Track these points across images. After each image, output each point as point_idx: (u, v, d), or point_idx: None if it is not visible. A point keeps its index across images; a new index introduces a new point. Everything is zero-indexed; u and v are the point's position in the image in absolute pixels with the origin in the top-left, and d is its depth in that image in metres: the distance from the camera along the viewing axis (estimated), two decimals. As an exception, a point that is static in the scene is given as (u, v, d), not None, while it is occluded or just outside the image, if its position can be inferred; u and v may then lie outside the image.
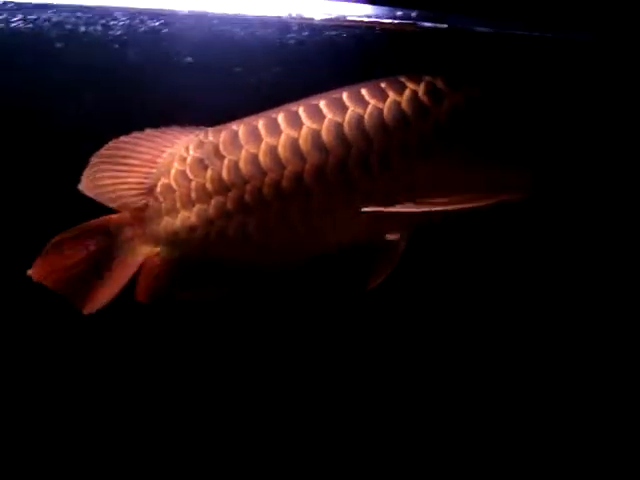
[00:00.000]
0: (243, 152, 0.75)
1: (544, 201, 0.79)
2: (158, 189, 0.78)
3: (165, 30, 0.86)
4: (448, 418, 0.90)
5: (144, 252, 0.78)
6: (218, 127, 0.78)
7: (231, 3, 0.85)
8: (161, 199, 0.77)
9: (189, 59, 0.87)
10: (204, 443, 0.91)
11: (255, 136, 0.75)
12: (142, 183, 0.78)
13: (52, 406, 0.89)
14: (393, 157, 0.74)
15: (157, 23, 0.85)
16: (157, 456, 0.90)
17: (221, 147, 0.76)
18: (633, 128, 0.80)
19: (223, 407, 0.91)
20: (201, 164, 0.76)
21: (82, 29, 0.85)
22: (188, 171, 0.77)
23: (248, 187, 0.74)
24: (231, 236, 0.76)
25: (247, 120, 0.77)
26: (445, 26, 0.86)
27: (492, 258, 0.89)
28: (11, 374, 0.88)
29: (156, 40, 0.86)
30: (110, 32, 0.85)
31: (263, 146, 0.75)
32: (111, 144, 0.77)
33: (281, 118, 0.75)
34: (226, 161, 0.75)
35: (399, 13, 0.86)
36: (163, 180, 0.78)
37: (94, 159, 0.77)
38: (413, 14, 0.86)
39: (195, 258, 0.78)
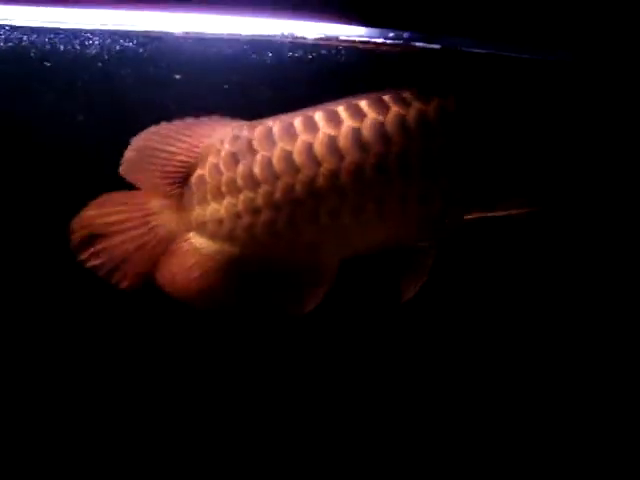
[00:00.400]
0: (277, 149, 0.75)
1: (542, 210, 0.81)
2: (193, 179, 0.78)
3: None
4: (450, 419, 0.91)
5: (177, 237, 0.78)
6: (254, 122, 0.77)
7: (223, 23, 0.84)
8: (194, 189, 0.77)
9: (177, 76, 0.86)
10: (207, 442, 0.91)
11: (290, 133, 0.75)
12: (178, 172, 0.78)
13: (55, 402, 0.89)
14: (433, 159, 0.74)
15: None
16: (164, 452, 0.90)
17: (255, 142, 0.76)
18: (610, 143, 0.83)
19: (224, 405, 0.91)
20: (233, 158, 0.76)
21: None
22: (221, 164, 0.76)
23: (279, 184, 0.74)
24: (258, 232, 0.76)
25: (283, 117, 0.77)
26: (437, 47, 0.86)
27: (496, 265, 0.90)
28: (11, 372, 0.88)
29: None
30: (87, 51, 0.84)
31: (298, 143, 0.74)
32: (152, 129, 0.77)
33: (319, 116, 0.75)
34: (259, 156, 0.75)
35: (391, 34, 0.86)
36: (198, 171, 0.77)
37: (135, 143, 0.77)
38: (405, 35, 0.86)
39: (223, 253, 0.77)
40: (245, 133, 0.77)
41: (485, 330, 0.91)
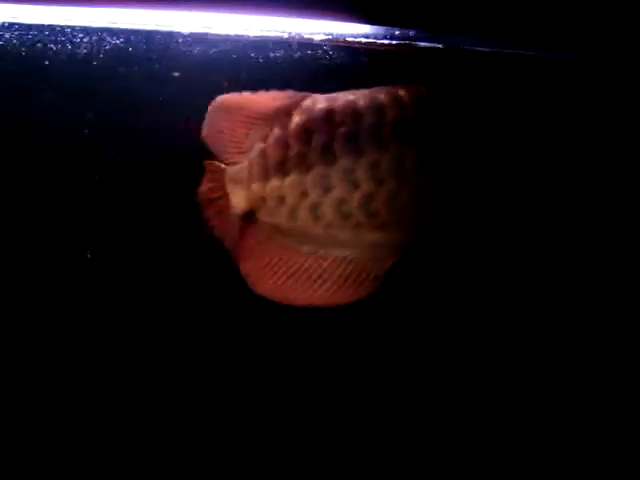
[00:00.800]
0: (365, 123, 0.71)
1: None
2: (254, 153, 0.75)
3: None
4: (450, 419, 0.91)
5: (239, 208, 0.76)
6: (329, 95, 0.74)
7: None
8: (255, 163, 0.74)
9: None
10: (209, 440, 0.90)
11: (378, 108, 0.71)
12: (244, 142, 0.76)
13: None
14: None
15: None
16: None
17: (337, 115, 0.72)
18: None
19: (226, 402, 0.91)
20: (306, 131, 0.72)
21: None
22: (290, 137, 0.73)
23: (363, 160, 0.71)
24: (327, 213, 0.73)
25: (359, 92, 0.74)
26: (441, 46, 0.87)
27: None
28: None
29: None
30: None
31: (389, 118, 0.71)
32: (231, 96, 0.76)
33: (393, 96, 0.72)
34: (342, 130, 0.71)
35: (397, 33, 0.86)
36: (259, 144, 0.75)
37: (215, 105, 0.76)
38: (411, 33, 0.86)
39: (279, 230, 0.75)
40: (322, 105, 0.73)
41: (484, 330, 0.91)
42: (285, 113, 0.74)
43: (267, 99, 0.75)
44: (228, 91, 0.81)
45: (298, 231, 0.75)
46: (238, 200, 0.76)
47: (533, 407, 0.90)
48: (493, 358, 0.89)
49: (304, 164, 0.72)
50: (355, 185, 0.71)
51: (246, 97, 0.76)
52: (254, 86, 0.80)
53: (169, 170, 0.86)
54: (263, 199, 0.74)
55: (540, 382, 0.90)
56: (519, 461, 0.90)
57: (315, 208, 0.72)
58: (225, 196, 0.78)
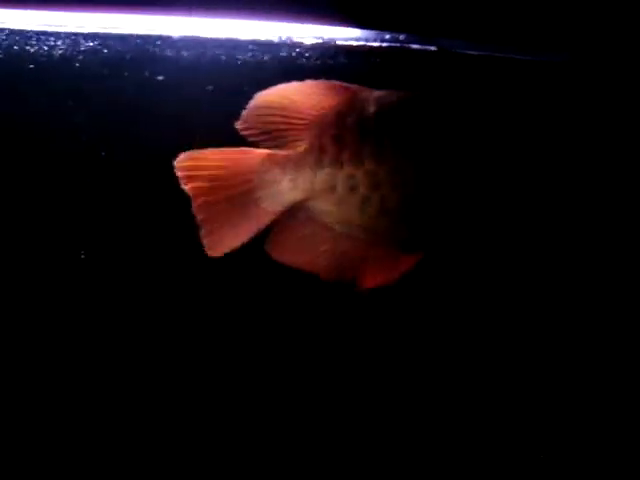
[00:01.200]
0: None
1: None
2: (316, 140, 0.72)
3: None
4: (449, 419, 0.91)
5: (287, 200, 0.73)
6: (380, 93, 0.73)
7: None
8: (317, 150, 0.72)
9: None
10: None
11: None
12: (302, 129, 0.73)
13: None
14: None
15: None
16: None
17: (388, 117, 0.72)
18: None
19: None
20: (364, 125, 0.72)
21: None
22: (350, 130, 0.72)
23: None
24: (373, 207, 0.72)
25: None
26: (434, 48, 0.86)
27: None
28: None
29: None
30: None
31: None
32: (281, 86, 0.73)
33: None
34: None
35: (387, 36, 0.86)
36: (315, 132, 0.72)
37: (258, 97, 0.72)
38: (401, 37, 0.86)
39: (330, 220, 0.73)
40: (393, 97, 0.72)
41: (484, 330, 0.91)
42: (343, 106, 0.72)
43: (321, 91, 0.73)
44: (212, 95, 0.81)
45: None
46: (290, 187, 0.72)
47: (542, 409, 0.90)
48: (493, 358, 0.89)
49: (358, 159, 0.71)
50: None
51: (297, 87, 0.73)
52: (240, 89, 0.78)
53: (154, 172, 0.84)
54: (313, 189, 0.72)
55: (541, 381, 0.90)
56: (519, 461, 0.90)
57: (364, 202, 0.71)
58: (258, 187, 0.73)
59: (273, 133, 0.73)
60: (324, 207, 0.72)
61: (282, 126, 0.73)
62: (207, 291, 0.85)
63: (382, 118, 0.72)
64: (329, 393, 0.89)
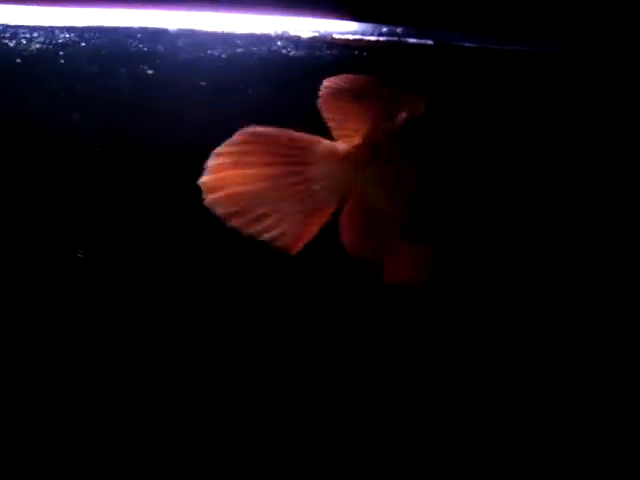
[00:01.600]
0: None
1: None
2: (372, 135, 0.72)
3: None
4: (449, 419, 0.91)
5: (341, 193, 0.72)
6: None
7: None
8: (373, 144, 0.72)
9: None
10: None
11: None
12: (379, 123, 0.72)
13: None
14: None
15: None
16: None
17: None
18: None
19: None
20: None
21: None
22: (407, 127, 0.72)
23: None
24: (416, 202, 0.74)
25: None
26: (431, 42, 0.85)
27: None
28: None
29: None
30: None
31: None
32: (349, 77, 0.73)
33: None
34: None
35: (385, 29, 0.85)
36: (396, 124, 0.72)
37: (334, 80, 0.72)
38: (399, 30, 0.85)
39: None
40: (439, 98, 0.74)
41: (483, 330, 0.91)
42: (397, 104, 0.72)
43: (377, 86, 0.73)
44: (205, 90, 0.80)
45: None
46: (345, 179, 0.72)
47: (547, 410, 0.91)
48: (492, 358, 0.90)
49: (409, 156, 0.72)
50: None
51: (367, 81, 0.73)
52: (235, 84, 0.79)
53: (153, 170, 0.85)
54: (382, 182, 0.72)
55: (543, 380, 0.91)
56: (519, 461, 0.90)
57: (411, 197, 0.72)
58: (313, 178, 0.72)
59: (341, 122, 0.72)
60: (374, 201, 0.72)
61: (348, 116, 0.72)
62: (207, 291, 0.86)
63: (430, 119, 0.72)
64: (335, 388, 0.89)
